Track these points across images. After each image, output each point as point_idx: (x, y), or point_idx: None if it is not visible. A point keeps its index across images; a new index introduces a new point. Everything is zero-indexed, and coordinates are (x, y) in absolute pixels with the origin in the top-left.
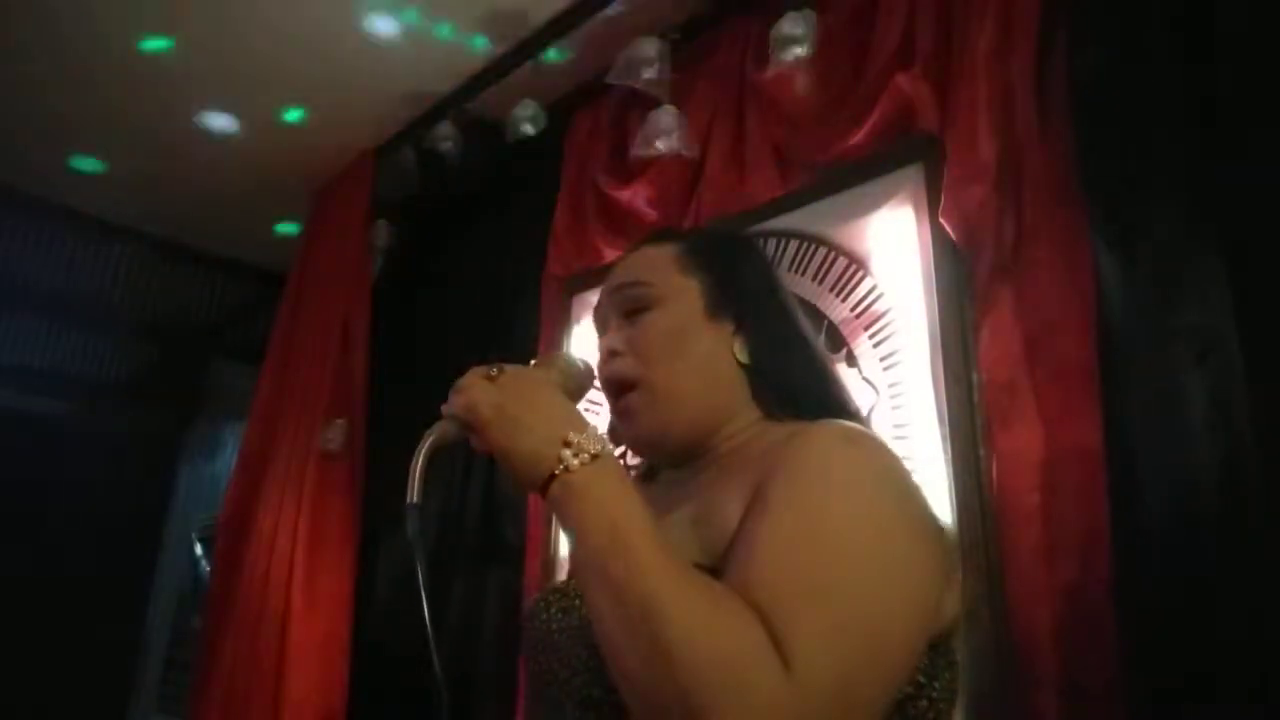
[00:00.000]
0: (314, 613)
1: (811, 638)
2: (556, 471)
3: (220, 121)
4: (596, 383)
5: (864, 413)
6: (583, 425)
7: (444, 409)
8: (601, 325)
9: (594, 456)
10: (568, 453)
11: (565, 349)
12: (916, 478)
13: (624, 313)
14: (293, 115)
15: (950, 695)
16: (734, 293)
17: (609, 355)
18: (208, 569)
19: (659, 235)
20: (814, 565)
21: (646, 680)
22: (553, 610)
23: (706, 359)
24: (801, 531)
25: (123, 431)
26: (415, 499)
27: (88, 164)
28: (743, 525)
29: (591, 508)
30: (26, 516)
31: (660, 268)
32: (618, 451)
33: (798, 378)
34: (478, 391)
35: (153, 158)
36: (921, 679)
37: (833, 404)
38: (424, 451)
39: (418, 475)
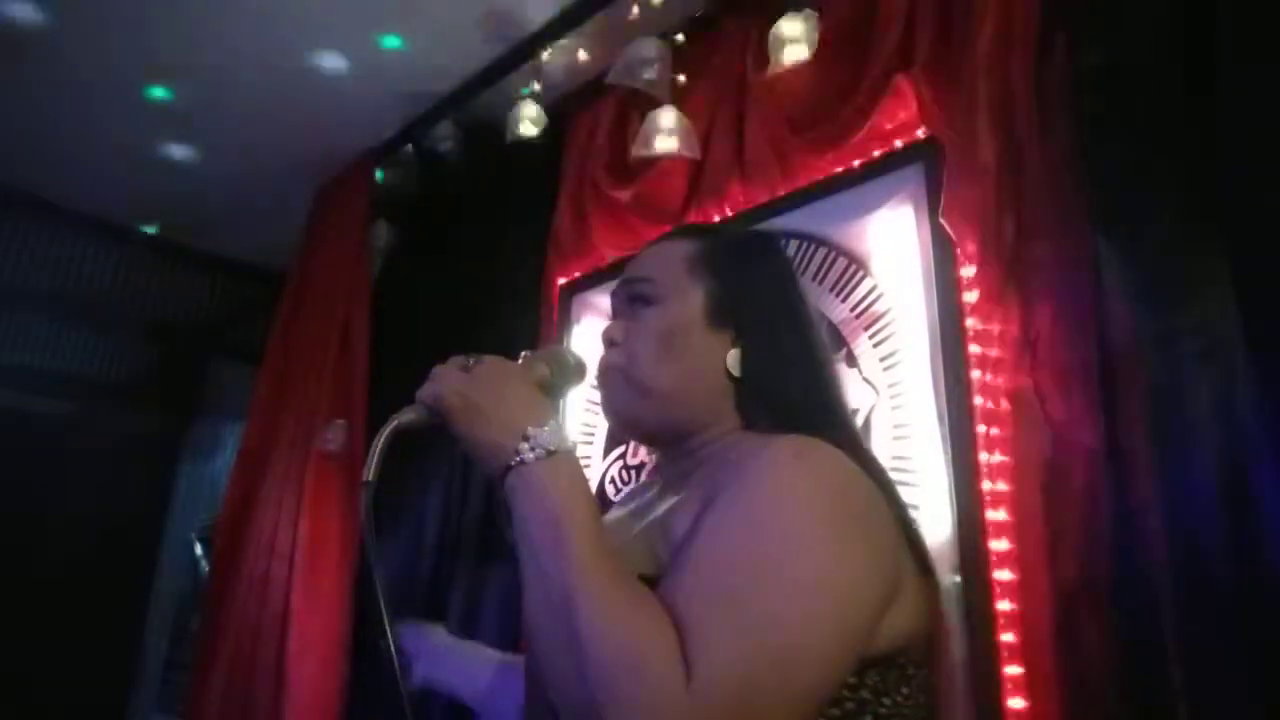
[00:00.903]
0: (314, 612)
1: (716, 647)
2: (512, 463)
3: (222, 121)
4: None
5: (857, 427)
6: (543, 420)
7: (417, 394)
8: (612, 315)
9: (549, 452)
10: (524, 446)
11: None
12: (898, 488)
13: (629, 304)
14: (294, 117)
15: (908, 711)
16: (740, 303)
17: (607, 344)
18: (208, 569)
19: (684, 231)
20: (732, 578)
21: (560, 672)
22: None
23: (693, 364)
24: (728, 545)
25: (123, 432)
26: (370, 477)
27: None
28: (686, 537)
29: (537, 502)
30: (26, 516)
31: (670, 266)
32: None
33: (792, 393)
34: (448, 380)
35: (153, 157)
36: (867, 695)
37: (820, 420)
38: (386, 433)
39: (376, 454)
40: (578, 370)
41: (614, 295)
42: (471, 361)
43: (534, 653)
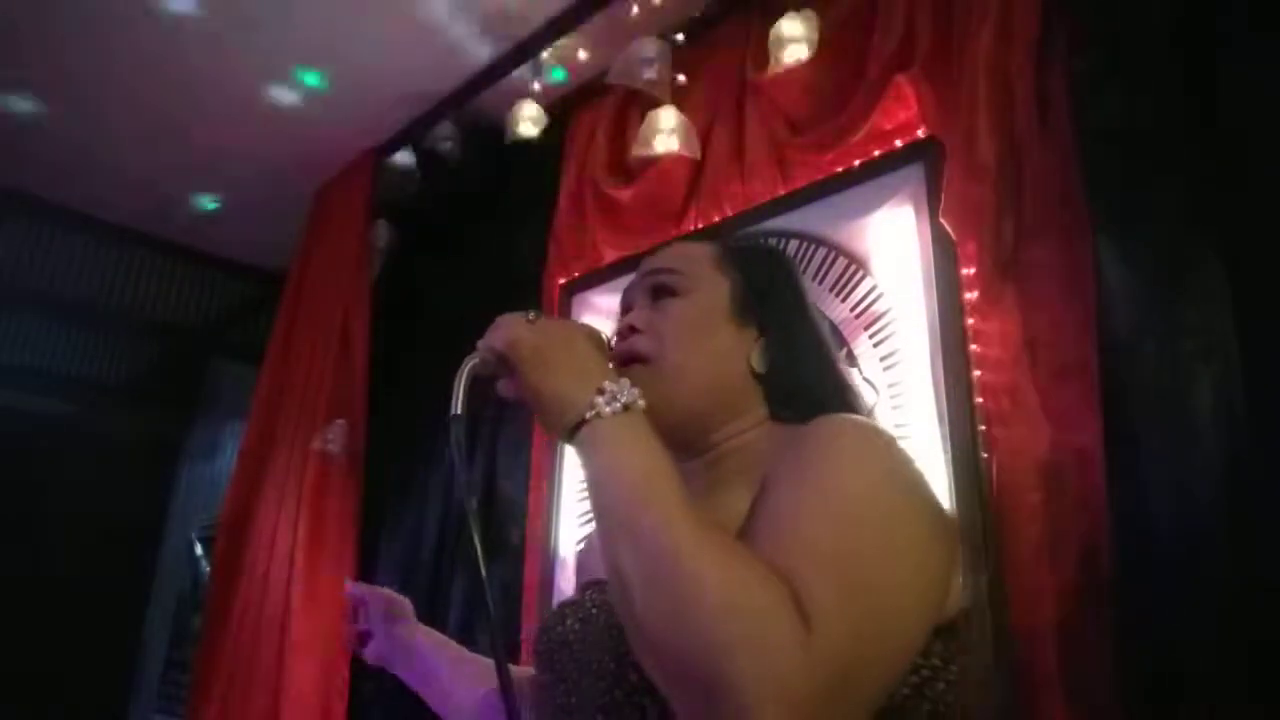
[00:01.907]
0: (314, 613)
1: (829, 601)
2: (588, 416)
3: (221, 121)
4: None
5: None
6: (615, 375)
7: (480, 344)
8: (625, 306)
9: (625, 407)
10: (600, 399)
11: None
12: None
13: (651, 296)
14: (293, 117)
15: (971, 676)
16: (764, 300)
17: (627, 331)
18: (208, 569)
19: (694, 236)
20: (830, 535)
21: (666, 630)
22: (569, 622)
23: (720, 355)
24: (817, 504)
25: (123, 432)
26: (459, 410)
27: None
28: (755, 507)
29: (623, 455)
30: (26, 516)
31: (696, 260)
32: None
33: (815, 388)
34: (518, 330)
35: (154, 158)
36: (938, 662)
37: (838, 408)
38: (466, 371)
39: (461, 390)
40: (606, 344)
41: (630, 290)
42: (532, 315)
43: (630, 617)
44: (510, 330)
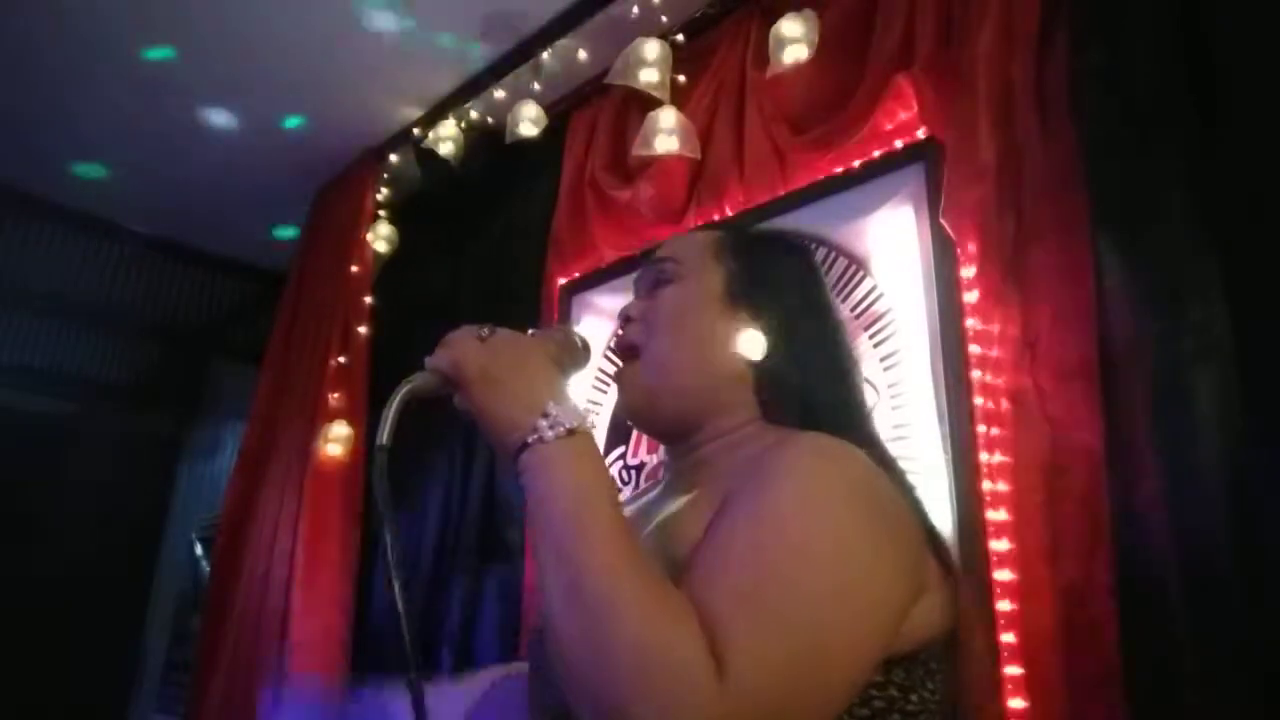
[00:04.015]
0: (314, 613)
1: (748, 645)
2: (529, 440)
3: (221, 122)
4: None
5: (877, 429)
6: (563, 397)
7: (427, 361)
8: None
9: (570, 431)
10: (544, 423)
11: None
12: (918, 489)
13: (650, 285)
14: (294, 117)
15: (934, 708)
16: (760, 286)
17: (624, 321)
18: (208, 569)
19: (710, 225)
20: (760, 574)
21: (581, 663)
22: None
23: (707, 338)
24: (754, 541)
25: (123, 431)
26: (385, 441)
27: (90, 168)
28: (708, 529)
29: (558, 481)
30: (26, 516)
31: (695, 249)
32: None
33: (811, 384)
34: (465, 348)
35: (154, 159)
36: (895, 693)
37: (841, 417)
38: (399, 396)
39: (390, 418)
40: (584, 352)
41: (637, 280)
42: (486, 331)
43: (552, 642)
44: (457, 349)
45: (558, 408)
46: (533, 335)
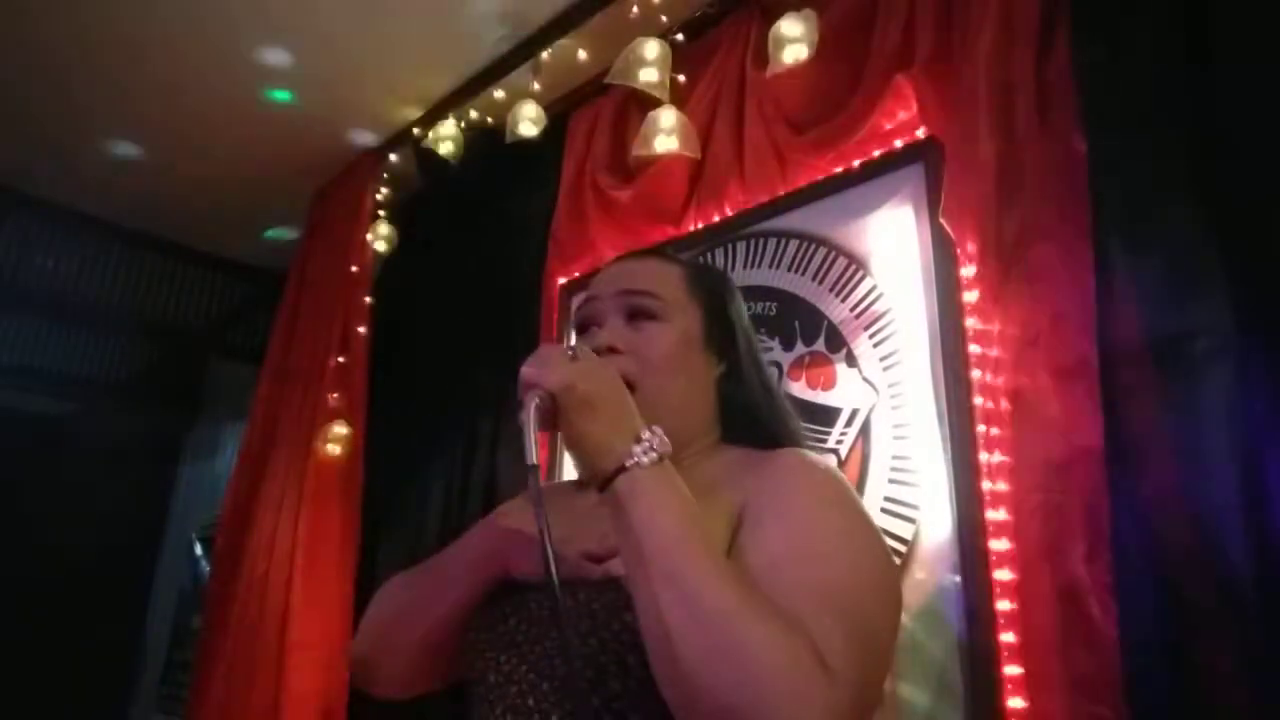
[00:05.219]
0: (314, 613)
1: (845, 650)
2: (627, 464)
3: (221, 121)
4: None
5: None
6: (649, 423)
7: (527, 376)
8: (593, 319)
9: (661, 457)
10: (638, 449)
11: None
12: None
13: (627, 315)
14: (294, 116)
15: None
16: (724, 329)
17: (607, 350)
18: (208, 569)
19: (655, 251)
20: (825, 579)
21: (710, 669)
22: (512, 621)
23: (694, 382)
24: (804, 549)
25: (123, 431)
26: (534, 460)
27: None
28: (744, 543)
29: (661, 505)
30: (26, 517)
31: (671, 284)
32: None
33: (763, 412)
34: (568, 369)
35: (155, 158)
36: None
37: (786, 434)
38: (533, 416)
39: (533, 437)
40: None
41: (597, 302)
42: (574, 351)
43: (665, 653)
44: (559, 370)
45: (649, 434)
46: (594, 353)
